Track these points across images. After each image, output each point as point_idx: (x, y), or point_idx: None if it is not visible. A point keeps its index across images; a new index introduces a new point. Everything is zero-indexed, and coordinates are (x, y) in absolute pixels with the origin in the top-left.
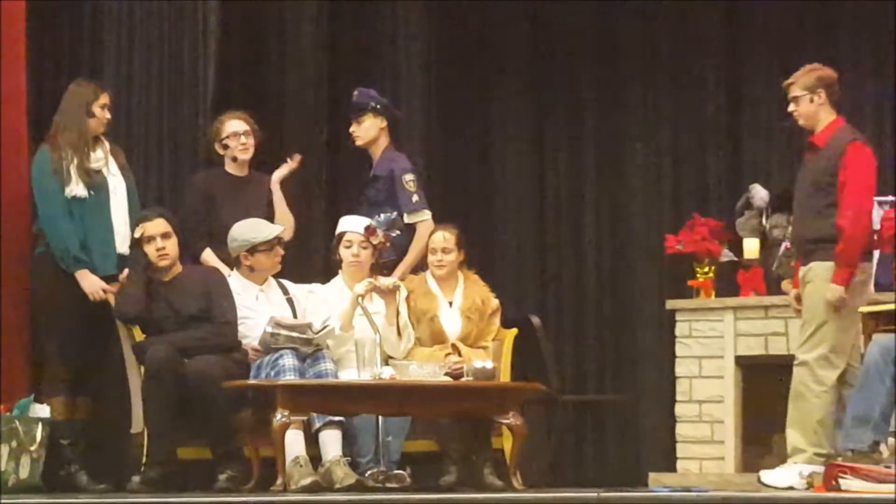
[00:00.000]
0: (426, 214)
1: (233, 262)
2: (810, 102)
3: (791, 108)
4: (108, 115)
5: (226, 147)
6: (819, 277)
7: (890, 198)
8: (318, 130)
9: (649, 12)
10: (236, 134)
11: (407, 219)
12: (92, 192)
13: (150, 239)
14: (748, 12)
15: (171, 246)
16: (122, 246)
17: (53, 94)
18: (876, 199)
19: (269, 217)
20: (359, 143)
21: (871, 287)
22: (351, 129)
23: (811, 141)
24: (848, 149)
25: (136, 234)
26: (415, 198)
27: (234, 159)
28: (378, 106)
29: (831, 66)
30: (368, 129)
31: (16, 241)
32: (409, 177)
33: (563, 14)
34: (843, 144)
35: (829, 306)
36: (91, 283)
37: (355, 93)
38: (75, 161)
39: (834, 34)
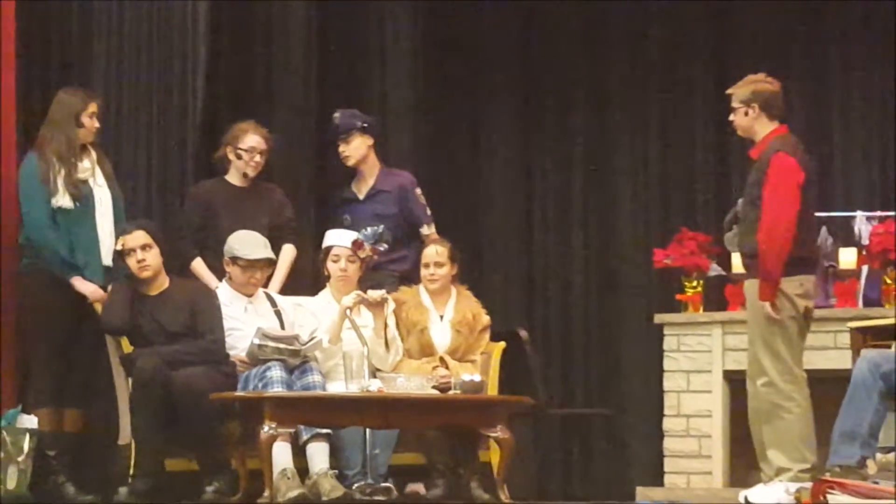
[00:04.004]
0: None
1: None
2: (745, 115)
3: (731, 118)
4: (97, 124)
5: (238, 157)
6: (751, 294)
7: (879, 213)
8: (307, 143)
9: (639, 21)
10: (254, 150)
11: (426, 230)
12: (77, 204)
13: (131, 251)
14: (738, 23)
15: (152, 257)
16: (108, 258)
17: (43, 98)
18: (864, 213)
19: (272, 227)
20: (350, 162)
21: (811, 299)
22: (340, 150)
23: (749, 154)
24: (772, 160)
25: (117, 247)
26: (428, 210)
27: (245, 175)
28: (364, 125)
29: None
30: (358, 148)
31: (5, 251)
32: (419, 190)
33: (553, 24)
34: (769, 156)
35: (766, 322)
36: (89, 287)
37: (336, 115)
38: (63, 172)
39: (824, 41)
